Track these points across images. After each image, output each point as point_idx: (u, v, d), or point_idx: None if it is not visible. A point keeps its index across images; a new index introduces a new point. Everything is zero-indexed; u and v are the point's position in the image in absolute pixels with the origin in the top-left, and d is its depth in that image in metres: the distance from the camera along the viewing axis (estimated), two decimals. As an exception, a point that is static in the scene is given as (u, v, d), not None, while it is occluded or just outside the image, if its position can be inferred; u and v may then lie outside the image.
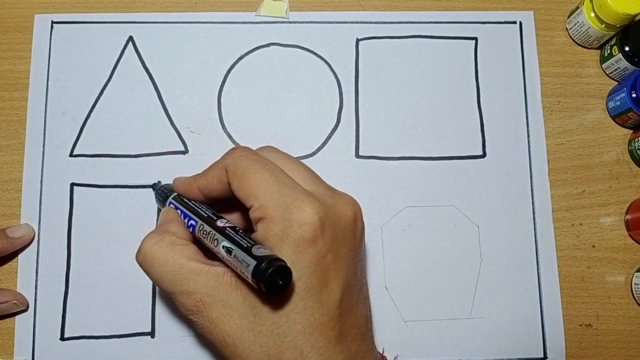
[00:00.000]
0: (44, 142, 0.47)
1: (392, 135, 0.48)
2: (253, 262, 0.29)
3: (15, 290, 0.44)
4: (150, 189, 0.46)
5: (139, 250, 0.34)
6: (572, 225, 0.47)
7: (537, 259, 0.47)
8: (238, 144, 0.47)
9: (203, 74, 0.49)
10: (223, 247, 0.32)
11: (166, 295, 0.33)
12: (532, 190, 0.48)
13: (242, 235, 0.32)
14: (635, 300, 0.46)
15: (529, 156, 0.48)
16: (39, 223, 0.46)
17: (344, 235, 0.33)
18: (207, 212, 0.36)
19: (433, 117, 0.49)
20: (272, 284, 0.28)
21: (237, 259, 0.30)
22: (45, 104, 0.48)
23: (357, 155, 0.48)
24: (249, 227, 0.35)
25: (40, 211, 0.46)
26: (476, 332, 0.45)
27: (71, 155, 0.47)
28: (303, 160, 0.47)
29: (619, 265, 0.47)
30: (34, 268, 0.45)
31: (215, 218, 0.35)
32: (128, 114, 0.48)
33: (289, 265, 0.29)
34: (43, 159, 0.47)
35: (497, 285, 0.46)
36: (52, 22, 0.49)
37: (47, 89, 0.48)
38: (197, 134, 0.48)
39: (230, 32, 0.49)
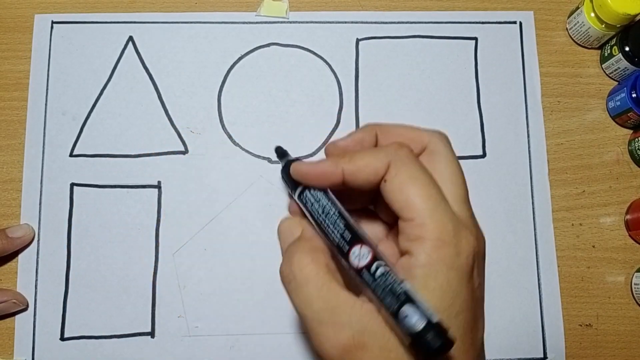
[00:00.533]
0: (44, 142, 0.47)
1: (392, 135, 0.48)
2: (408, 339, 0.26)
3: (14, 290, 0.44)
4: (153, 188, 0.46)
5: (290, 264, 0.30)
6: (572, 225, 0.47)
7: (537, 259, 0.47)
8: (238, 144, 0.47)
9: (203, 74, 0.49)
10: (369, 297, 0.28)
11: (306, 323, 0.29)
12: (532, 190, 0.48)
13: (382, 282, 0.28)
14: (635, 300, 0.46)
15: (529, 156, 0.48)
16: (39, 223, 0.46)
17: (484, 264, 0.31)
18: (336, 231, 0.30)
19: (433, 117, 0.49)
20: (434, 354, 0.25)
21: (390, 317, 0.27)
22: (45, 104, 0.48)
23: (357, 155, 0.48)
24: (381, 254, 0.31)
25: (40, 211, 0.46)
26: (476, 332, 0.45)
27: (71, 155, 0.47)
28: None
29: (619, 265, 0.47)
30: (34, 268, 0.45)
31: (347, 246, 0.29)
32: (128, 114, 0.48)
33: (449, 299, 0.27)
34: (43, 159, 0.47)
35: (497, 285, 0.46)
36: (52, 22, 0.49)
37: (47, 89, 0.48)
38: (197, 134, 0.48)
39: (230, 32, 0.49)
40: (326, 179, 0.31)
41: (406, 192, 0.29)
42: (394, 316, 0.26)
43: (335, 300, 0.28)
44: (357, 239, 0.30)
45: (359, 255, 0.29)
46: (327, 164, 0.31)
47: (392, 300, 0.27)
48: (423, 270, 0.28)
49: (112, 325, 0.44)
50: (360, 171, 0.30)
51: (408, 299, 0.26)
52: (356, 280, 0.29)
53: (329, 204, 0.31)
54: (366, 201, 0.34)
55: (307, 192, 0.32)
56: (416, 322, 0.25)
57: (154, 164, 0.47)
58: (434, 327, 0.25)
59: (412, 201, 0.29)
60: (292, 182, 0.33)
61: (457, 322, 0.27)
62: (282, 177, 0.35)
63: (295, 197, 0.33)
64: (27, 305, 0.44)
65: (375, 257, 0.28)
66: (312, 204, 0.32)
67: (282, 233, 0.34)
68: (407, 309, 0.26)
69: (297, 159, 0.35)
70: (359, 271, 0.28)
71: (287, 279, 0.30)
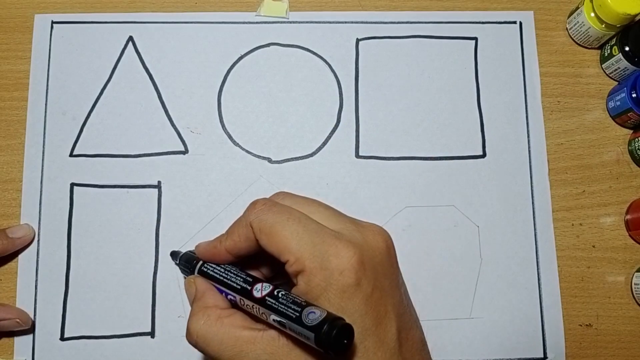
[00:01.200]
0: (44, 142, 0.47)
1: (392, 135, 0.48)
2: (311, 334, 0.28)
3: (20, 309, 0.44)
4: (153, 188, 0.46)
5: (189, 333, 0.34)
6: (572, 225, 0.47)
7: (537, 259, 0.47)
8: (238, 144, 0.47)
9: (203, 74, 0.49)
10: (274, 320, 0.31)
11: None
12: (532, 190, 0.48)
13: (284, 300, 0.31)
14: (635, 300, 0.46)
15: (529, 156, 0.48)
16: (39, 223, 0.46)
17: (382, 267, 0.32)
18: (238, 280, 0.35)
19: (433, 117, 0.49)
20: (340, 345, 0.28)
21: (294, 332, 0.30)
22: (45, 104, 0.48)
23: (357, 155, 0.48)
24: (284, 277, 0.34)
25: (40, 211, 0.46)
26: (476, 332, 0.45)
27: (71, 155, 0.47)
28: (303, 161, 0.47)
29: (619, 265, 0.47)
30: (34, 268, 0.45)
31: (249, 286, 0.34)
32: (128, 114, 0.48)
33: (338, 314, 0.29)
34: (43, 159, 0.47)
35: (497, 285, 0.46)
36: (52, 22, 0.49)
37: (47, 89, 0.48)
38: (197, 134, 0.48)
39: (230, 32, 0.49)
40: (218, 257, 0.36)
41: (274, 241, 0.32)
42: (299, 321, 0.29)
43: (239, 344, 0.32)
44: (257, 280, 0.34)
45: (261, 289, 0.33)
46: (214, 245, 0.37)
47: (295, 308, 0.30)
48: (305, 297, 0.31)
49: (112, 325, 0.44)
50: (237, 243, 0.35)
51: (309, 304, 0.30)
52: (258, 313, 0.32)
53: (227, 266, 0.36)
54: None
55: (206, 264, 0.38)
56: (319, 314, 0.29)
57: (154, 164, 0.47)
58: (335, 317, 0.28)
59: (281, 245, 0.32)
60: (191, 265, 0.39)
61: (355, 331, 0.29)
62: (180, 264, 0.41)
63: (197, 272, 0.38)
64: (31, 326, 0.44)
65: (275, 288, 0.32)
66: (212, 269, 0.37)
67: (186, 294, 0.39)
68: (309, 309, 0.29)
69: (187, 252, 0.41)
70: (262, 300, 0.32)
71: (191, 343, 0.34)
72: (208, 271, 0.37)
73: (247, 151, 0.47)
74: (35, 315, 0.44)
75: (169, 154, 0.47)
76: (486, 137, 0.48)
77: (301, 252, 0.31)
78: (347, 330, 0.28)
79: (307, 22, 0.50)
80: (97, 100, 0.48)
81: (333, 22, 0.50)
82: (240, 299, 0.34)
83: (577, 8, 0.48)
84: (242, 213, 0.36)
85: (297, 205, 0.34)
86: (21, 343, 0.44)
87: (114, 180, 0.47)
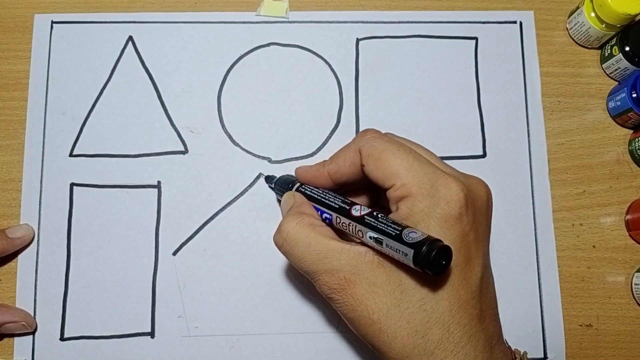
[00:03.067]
0: (44, 142, 0.47)
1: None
2: (411, 251, 0.29)
3: (25, 312, 0.44)
4: (153, 188, 0.46)
5: (279, 232, 0.35)
6: (572, 225, 0.47)
7: (537, 259, 0.46)
8: (238, 144, 0.47)
9: (203, 74, 0.49)
10: (370, 237, 0.31)
11: (307, 275, 0.34)
12: (532, 190, 0.48)
13: (383, 220, 0.31)
14: (636, 300, 0.46)
15: (529, 156, 0.48)
16: (39, 223, 0.46)
17: (481, 213, 0.33)
18: (336, 200, 0.36)
19: (433, 117, 0.49)
20: (437, 266, 0.28)
21: (392, 249, 0.30)
22: (45, 104, 0.48)
23: (357, 155, 0.48)
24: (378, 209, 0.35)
25: (40, 211, 0.46)
26: (476, 332, 0.45)
27: (71, 155, 0.47)
28: (303, 161, 0.47)
29: (619, 265, 0.47)
30: (34, 268, 0.45)
31: (347, 206, 0.34)
32: (128, 114, 0.48)
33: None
34: (43, 159, 0.47)
35: (497, 285, 0.46)
36: (52, 22, 0.49)
37: (47, 89, 0.48)
38: (197, 134, 0.48)
39: (230, 32, 0.49)
40: (318, 179, 0.37)
41: (381, 166, 0.33)
42: (398, 238, 0.29)
43: (325, 251, 0.32)
44: (354, 203, 0.35)
45: (360, 210, 0.33)
46: (316, 168, 0.38)
47: (395, 227, 0.30)
48: (405, 222, 0.31)
49: (112, 325, 0.44)
50: (341, 167, 0.36)
51: (408, 226, 0.30)
52: (353, 232, 0.33)
53: (325, 190, 0.37)
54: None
55: (305, 185, 0.39)
56: (420, 234, 0.29)
57: (154, 164, 0.47)
58: (435, 239, 0.29)
59: (388, 171, 0.32)
60: (286, 186, 0.41)
61: None
62: (276, 186, 0.43)
63: (295, 189, 0.39)
64: (35, 329, 0.44)
65: (374, 210, 0.33)
66: (310, 190, 0.38)
67: (282, 207, 0.39)
68: (409, 229, 0.30)
69: (284, 175, 0.43)
70: (361, 218, 0.33)
71: (278, 243, 0.35)
72: (306, 191, 0.38)
73: (247, 151, 0.47)
74: (35, 315, 0.44)
75: (169, 154, 0.47)
76: (486, 137, 0.48)
77: (409, 177, 0.32)
78: (446, 253, 0.29)
79: (307, 22, 0.50)
80: (97, 100, 0.48)
81: (333, 22, 0.50)
82: (336, 216, 0.35)
83: (578, 8, 0.48)
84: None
85: (407, 142, 0.35)
86: (21, 343, 0.44)
87: (114, 180, 0.47)
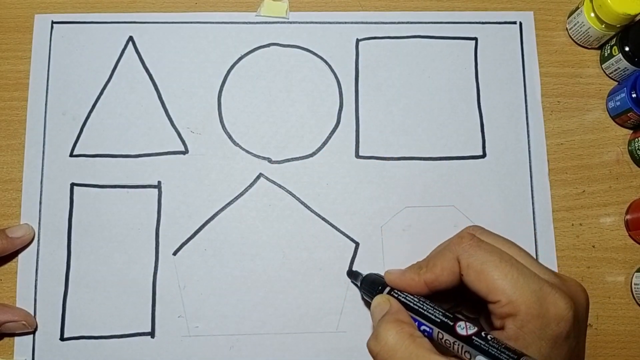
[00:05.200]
0: (44, 142, 0.47)
1: (392, 135, 0.48)
2: None
3: (26, 311, 0.44)
4: (153, 188, 0.46)
5: (376, 339, 0.33)
6: (572, 225, 0.47)
7: (537, 259, 0.46)
8: (238, 144, 0.47)
9: (203, 74, 0.49)
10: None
11: None
12: (532, 190, 0.48)
13: (494, 344, 0.30)
14: (635, 300, 0.46)
15: (529, 156, 0.48)
16: (39, 223, 0.46)
17: (584, 323, 0.33)
18: (436, 313, 0.34)
19: (433, 117, 0.49)
20: None
21: None
22: (45, 104, 0.48)
23: (357, 155, 0.48)
24: (476, 315, 0.34)
25: (40, 211, 0.46)
26: (476, 332, 0.45)
27: (71, 155, 0.47)
28: (303, 161, 0.47)
29: (619, 265, 0.47)
30: (34, 268, 0.45)
31: (451, 322, 0.33)
32: (128, 114, 0.48)
33: None
34: (43, 159, 0.47)
35: (497, 285, 0.46)
36: (52, 22, 0.49)
37: (47, 89, 0.48)
38: (197, 134, 0.48)
39: (230, 32, 0.49)
40: (413, 288, 0.36)
41: (484, 279, 0.32)
42: None
43: None
44: (458, 317, 0.33)
45: (466, 328, 0.32)
46: (411, 276, 0.36)
47: (509, 354, 0.29)
48: (515, 343, 0.30)
49: (112, 325, 0.44)
50: (439, 277, 0.34)
51: (524, 353, 0.29)
52: (459, 352, 0.31)
53: (421, 297, 0.35)
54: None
55: (396, 291, 0.37)
56: None
57: (154, 164, 0.47)
58: None
59: (492, 285, 0.31)
60: (377, 289, 0.39)
61: None
62: (362, 287, 0.42)
63: (385, 292, 0.38)
64: (35, 329, 0.44)
65: (481, 330, 0.31)
66: (405, 297, 0.36)
67: (373, 310, 0.37)
68: (525, 359, 0.28)
69: (371, 274, 0.42)
70: (468, 338, 0.31)
71: (374, 351, 0.33)
72: (399, 297, 0.36)
73: (247, 151, 0.47)
74: (35, 315, 0.44)
75: (169, 154, 0.47)
76: (486, 137, 0.48)
77: (516, 295, 0.30)
78: None
79: (307, 22, 0.50)
80: (97, 100, 0.48)
81: (333, 22, 0.50)
82: (438, 332, 0.33)
83: (577, 8, 0.49)
84: (444, 245, 0.36)
85: (499, 245, 0.34)
86: (21, 343, 0.44)
87: (114, 180, 0.47)
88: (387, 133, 0.48)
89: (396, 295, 0.37)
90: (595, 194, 0.48)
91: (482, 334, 0.31)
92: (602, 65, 0.50)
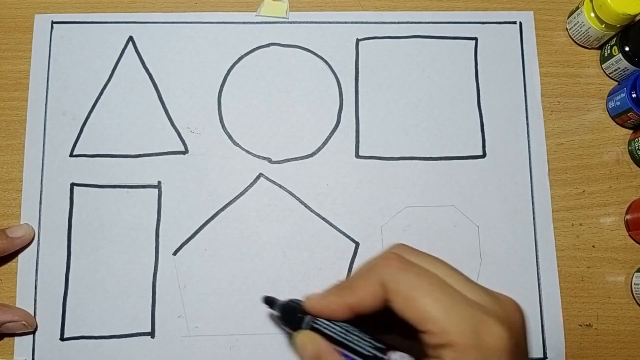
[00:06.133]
0: (44, 142, 0.47)
1: (392, 135, 0.48)
2: None
3: (26, 311, 0.44)
4: (153, 188, 0.46)
5: None
6: (572, 225, 0.47)
7: (537, 259, 0.47)
8: (238, 144, 0.47)
9: (203, 74, 0.49)
10: None
11: None
12: (532, 190, 0.48)
13: None
14: (635, 300, 0.46)
15: (529, 156, 0.48)
16: (39, 223, 0.46)
17: (524, 346, 0.31)
18: (364, 344, 0.31)
19: (433, 117, 0.49)
20: None
21: None
22: (45, 104, 0.48)
23: (357, 155, 0.48)
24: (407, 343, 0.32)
25: (40, 211, 0.46)
26: (476, 332, 0.45)
27: (71, 155, 0.47)
28: (303, 161, 0.47)
29: (619, 265, 0.47)
30: (34, 268, 0.45)
31: (381, 354, 0.30)
32: (128, 114, 0.48)
33: None
34: (43, 159, 0.47)
35: (497, 285, 0.45)
36: (52, 22, 0.49)
37: (47, 89, 0.48)
38: (197, 134, 0.48)
39: (230, 32, 0.49)
40: (336, 313, 0.32)
41: (413, 307, 0.29)
42: None
43: None
44: (388, 346, 0.30)
45: (399, 358, 0.29)
46: (333, 300, 0.33)
47: None
48: None
49: (112, 325, 0.44)
50: (363, 301, 0.31)
51: None
52: None
53: (345, 325, 0.32)
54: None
55: (318, 320, 0.33)
56: None
57: (154, 164, 0.47)
58: None
59: (422, 314, 0.29)
60: (296, 318, 0.34)
61: None
62: (282, 319, 0.37)
63: (305, 326, 0.34)
64: (35, 329, 0.44)
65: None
66: (328, 328, 0.33)
67: (298, 350, 0.34)
68: None
69: (289, 301, 0.36)
70: None
71: None
72: (322, 329, 0.33)
73: (247, 151, 0.47)
74: (35, 315, 0.44)
75: (169, 154, 0.47)
76: (486, 137, 0.48)
77: (449, 325, 0.28)
78: None
79: (307, 22, 0.50)
80: (97, 100, 0.48)
81: (333, 22, 0.50)
82: None
83: (577, 8, 0.49)
84: (368, 265, 0.32)
85: (428, 265, 0.32)
86: (21, 343, 0.44)
87: (114, 180, 0.47)
88: (387, 133, 0.48)
89: (318, 327, 0.33)
90: (595, 194, 0.48)
91: None
92: (602, 65, 0.50)
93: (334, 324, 0.33)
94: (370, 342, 0.31)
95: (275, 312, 0.38)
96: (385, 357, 0.30)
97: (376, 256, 0.32)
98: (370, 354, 0.30)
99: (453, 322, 0.28)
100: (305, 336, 0.34)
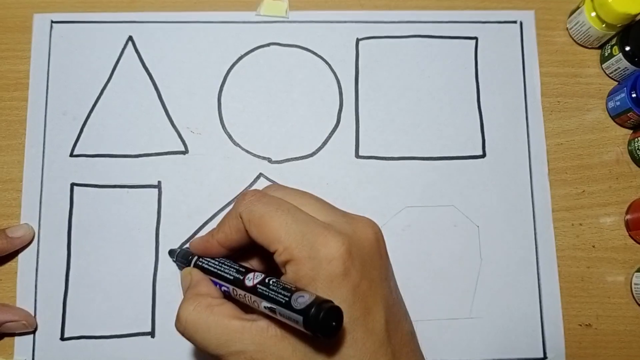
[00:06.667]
0: (44, 142, 0.47)
1: (392, 135, 0.48)
2: (300, 318, 0.28)
3: (26, 311, 0.44)
4: (153, 188, 0.46)
5: (178, 319, 0.34)
6: (572, 225, 0.47)
7: (537, 259, 0.47)
8: (238, 144, 0.47)
9: (203, 74, 0.49)
10: (265, 307, 0.31)
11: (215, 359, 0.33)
12: (532, 190, 0.48)
13: (275, 286, 0.31)
14: (635, 300, 0.46)
15: (529, 156, 0.48)
16: (39, 223, 0.46)
17: (371, 258, 0.33)
18: (231, 271, 0.35)
19: (433, 117, 0.49)
20: (327, 328, 0.28)
21: (284, 316, 0.29)
22: (45, 104, 0.48)
23: (357, 155, 0.48)
24: (275, 269, 0.34)
25: (40, 211, 0.46)
26: (476, 332, 0.45)
27: (71, 155, 0.47)
28: (303, 161, 0.47)
29: (618, 265, 0.47)
30: (34, 268, 0.45)
31: (241, 276, 0.34)
32: (128, 114, 0.48)
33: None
34: (43, 159, 0.47)
35: (497, 285, 0.46)
36: (52, 22, 0.49)
37: (47, 89, 0.48)
38: (197, 134, 0.48)
39: (230, 32, 0.49)
40: (212, 249, 0.37)
41: (263, 231, 0.32)
42: (288, 305, 0.29)
43: (227, 333, 0.31)
44: (249, 270, 0.34)
45: (253, 278, 0.33)
46: (206, 239, 0.37)
47: (285, 293, 0.30)
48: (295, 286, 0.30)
49: (112, 325, 0.44)
50: (229, 235, 0.35)
51: (298, 289, 0.30)
52: (250, 302, 0.32)
53: (222, 259, 0.37)
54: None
55: (202, 258, 0.38)
56: (308, 298, 0.28)
57: (154, 164, 0.47)
58: (323, 300, 0.28)
59: (270, 235, 0.32)
60: (185, 260, 0.40)
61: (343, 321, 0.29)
62: (177, 261, 0.42)
63: (192, 265, 0.39)
64: (35, 328, 0.44)
65: (267, 277, 0.32)
66: (207, 263, 0.37)
67: (181, 285, 0.39)
68: (298, 294, 0.29)
69: (183, 248, 0.43)
70: (253, 288, 0.32)
71: (179, 330, 0.34)
72: (203, 265, 0.37)
73: (247, 151, 0.47)
74: (35, 314, 0.44)
75: (169, 154, 0.47)
76: (486, 137, 0.48)
77: (290, 241, 0.31)
78: (335, 313, 0.28)
79: (307, 22, 0.50)
80: (97, 100, 0.48)
81: (333, 22, 0.50)
82: (233, 289, 0.34)
83: (578, 8, 0.48)
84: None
85: (287, 197, 0.34)
86: (21, 343, 0.44)
87: (114, 180, 0.47)
88: (387, 133, 0.48)
89: (200, 264, 0.38)
90: (595, 194, 0.48)
91: (267, 280, 0.32)
92: (602, 65, 0.50)
93: (213, 259, 0.37)
94: (235, 268, 0.35)
95: (174, 260, 0.43)
96: (242, 277, 0.33)
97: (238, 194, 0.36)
98: (231, 277, 0.34)
99: (293, 239, 0.31)
100: (186, 271, 0.38)
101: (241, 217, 0.33)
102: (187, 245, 0.42)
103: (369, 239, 0.33)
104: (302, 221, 0.32)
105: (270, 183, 0.47)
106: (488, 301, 0.46)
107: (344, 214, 0.35)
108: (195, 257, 0.39)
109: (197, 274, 0.37)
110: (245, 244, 0.35)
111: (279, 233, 0.31)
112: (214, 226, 0.43)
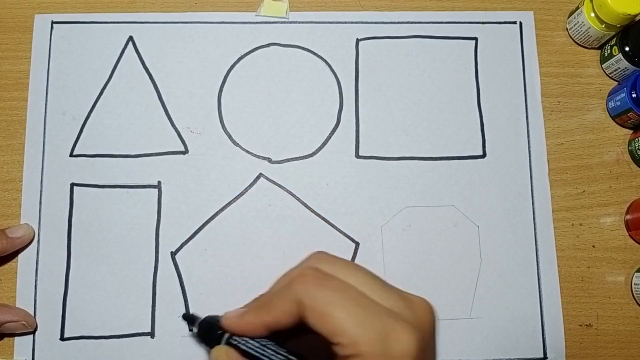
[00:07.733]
0: (44, 142, 0.47)
1: (392, 135, 0.48)
2: None
3: (26, 311, 0.44)
4: (153, 188, 0.46)
5: None
6: (572, 225, 0.47)
7: (537, 259, 0.47)
8: (238, 144, 0.47)
9: (203, 74, 0.49)
10: None
11: None
12: (532, 190, 0.48)
13: None
14: (635, 300, 0.46)
15: (529, 156, 0.48)
16: (39, 223, 0.46)
17: (433, 345, 0.32)
18: (277, 358, 0.32)
19: (433, 117, 0.49)
20: None
21: None
22: (45, 104, 0.48)
23: (357, 155, 0.48)
24: (317, 348, 0.32)
25: (40, 211, 0.46)
26: (476, 332, 0.45)
27: (71, 155, 0.47)
28: (303, 161, 0.47)
29: (619, 265, 0.47)
30: (34, 268, 0.45)
31: None
32: (128, 114, 0.48)
33: None
34: (43, 159, 0.47)
35: (497, 285, 0.46)
36: (52, 22, 0.49)
37: (47, 89, 0.48)
38: (197, 134, 0.48)
39: (230, 32, 0.49)
40: (253, 331, 0.33)
41: (327, 322, 0.29)
42: None
43: None
44: (302, 357, 0.31)
45: None
46: (249, 320, 0.33)
47: None
48: None
49: (112, 325, 0.44)
50: (279, 320, 0.32)
51: None
52: None
53: (262, 340, 0.33)
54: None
55: (236, 337, 0.34)
56: None
57: (154, 164, 0.47)
58: None
59: (335, 327, 0.29)
60: (215, 335, 0.34)
61: None
62: (199, 335, 0.37)
63: (224, 343, 0.34)
64: (35, 329, 0.44)
65: None
66: (245, 344, 0.33)
67: None
68: None
69: (208, 317, 0.37)
70: None
71: None
72: (239, 345, 0.33)
73: (247, 151, 0.47)
74: (35, 315, 0.44)
75: (169, 154, 0.47)
76: (486, 137, 0.48)
77: (358, 334, 0.29)
78: None
79: (307, 22, 0.50)
80: (97, 100, 0.48)
81: (333, 22, 0.50)
82: None
83: (577, 8, 0.49)
84: (286, 279, 0.33)
85: (343, 274, 0.32)
86: (21, 343, 0.44)
87: (114, 180, 0.47)
88: (387, 133, 0.48)
89: (235, 343, 0.33)
90: (595, 194, 0.48)
91: None
92: (602, 65, 0.50)
93: (251, 339, 0.33)
94: (284, 355, 0.32)
95: (194, 329, 0.38)
96: None
97: (293, 269, 0.33)
98: None
99: (362, 333, 0.29)
100: (220, 351, 0.34)
101: (301, 302, 0.30)
102: (209, 314, 0.37)
103: (431, 326, 0.32)
104: (373, 312, 0.30)
105: (270, 183, 0.47)
106: (488, 301, 0.46)
107: (400, 294, 0.32)
108: (227, 334, 0.34)
109: (234, 355, 0.33)
110: (292, 327, 0.32)
111: (346, 325, 0.29)
112: (216, 228, 0.42)
